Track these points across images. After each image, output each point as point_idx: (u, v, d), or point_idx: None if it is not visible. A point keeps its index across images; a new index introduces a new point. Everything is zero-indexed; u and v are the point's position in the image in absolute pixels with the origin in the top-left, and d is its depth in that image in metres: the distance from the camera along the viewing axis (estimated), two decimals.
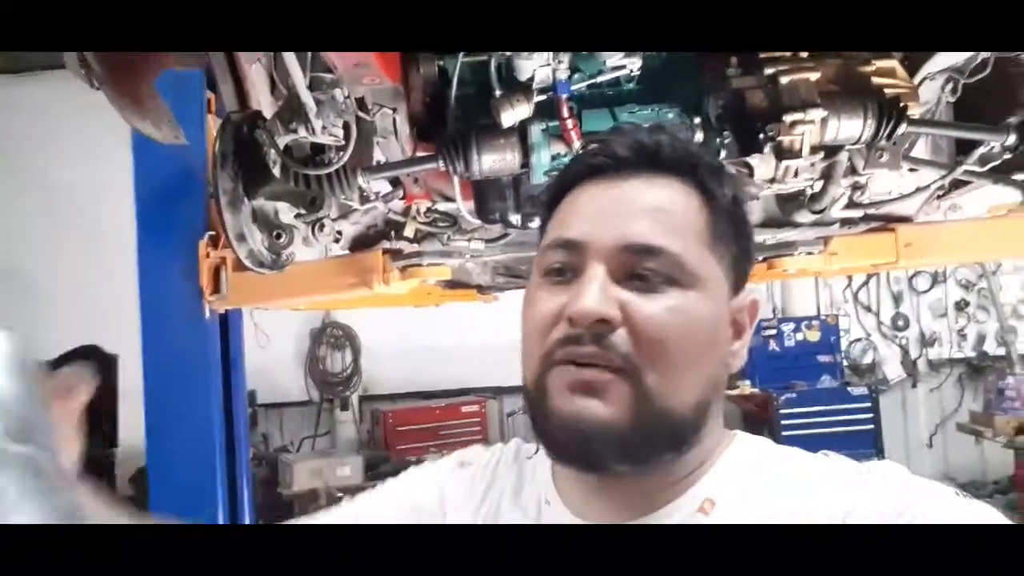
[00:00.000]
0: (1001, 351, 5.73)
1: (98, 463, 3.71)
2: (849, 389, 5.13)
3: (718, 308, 0.63)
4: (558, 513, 0.68)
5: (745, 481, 0.63)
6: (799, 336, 5.41)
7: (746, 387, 5.03)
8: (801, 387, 5.06)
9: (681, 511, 0.63)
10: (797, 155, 1.34)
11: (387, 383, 5.57)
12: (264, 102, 1.51)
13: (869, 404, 4.97)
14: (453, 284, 2.91)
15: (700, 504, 0.63)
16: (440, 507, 0.75)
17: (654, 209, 0.62)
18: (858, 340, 5.98)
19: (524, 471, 0.75)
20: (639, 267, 0.60)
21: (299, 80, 1.21)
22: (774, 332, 5.37)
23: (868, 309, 6.04)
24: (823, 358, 5.37)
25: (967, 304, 5.94)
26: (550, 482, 0.70)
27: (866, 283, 6.02)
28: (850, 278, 5.99)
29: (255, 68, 1.49)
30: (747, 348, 0.69)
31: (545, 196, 0.72)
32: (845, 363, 5.65)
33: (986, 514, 0.55)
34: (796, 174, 1.45)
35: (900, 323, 5.99)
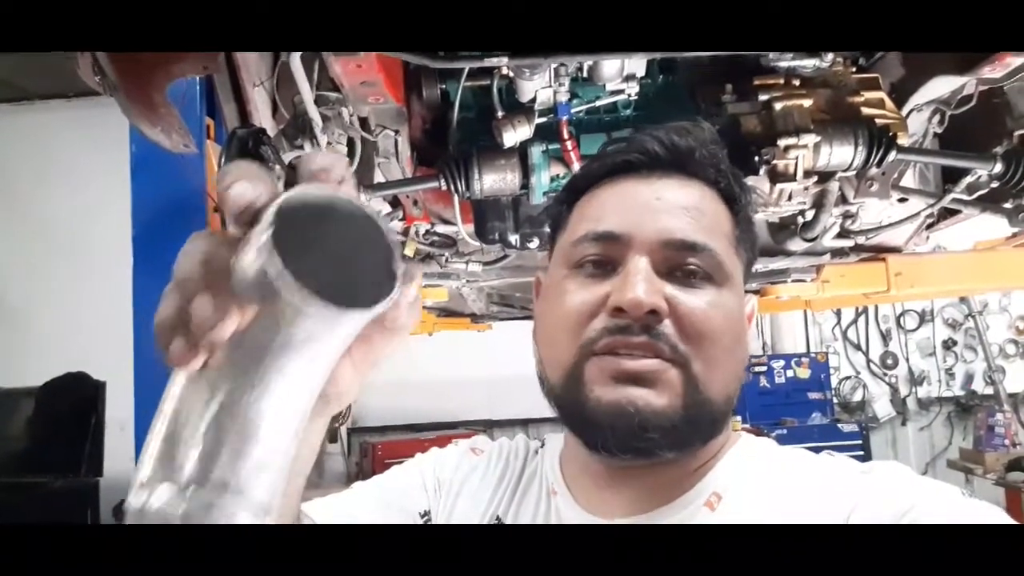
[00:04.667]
0: (989, 390, 5.75)
1: (82, 492, 3.64)
2: (839, 426, 5.12)
3: (742, 306, 0.65)
4: (564, 504, 0.68)
5: (751, 477, 0.64)
6: (789, 373, 5.41)
7: (737, 423, 5.00)
8: (792, 424, 5.05)
9: (688, 505, 0.63)
10: (791, 178, 1.38)
11: (376, 415, 5.52)
12: (266, 124, 1.53)
13: (859, 441, 4.96)
14: (447, 312, 2.93)
15: (707, 498, 0.63)
16: (451, 482, 0.75)
17: (692, 208, 0.63)
18: (848, 378, 5.99)
19: (531, 462, 0.75)
20: (682, 262, 0.61)
21: (306, 93, 1.24)
22: (764, 369, 5.37)
23: (857, 347, 6.06)
24: (813, 395, 5.36)
25: (954, 343, 5.97)
26: (557, 473, 0.71)
27: (855, 321, 6.06)
28: (839, 316, 6.03)
29: (257, 91, 1.52)
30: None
31: (564, 192, 0.71)
32: (835, 400, 5.65)
33: (992, 514, 0.54)
34: (790, 197, 1.48)
35: (889, 361, 6.01)
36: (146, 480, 0.36)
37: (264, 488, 0.38)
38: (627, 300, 0.58)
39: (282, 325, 0.36)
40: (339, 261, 0.38)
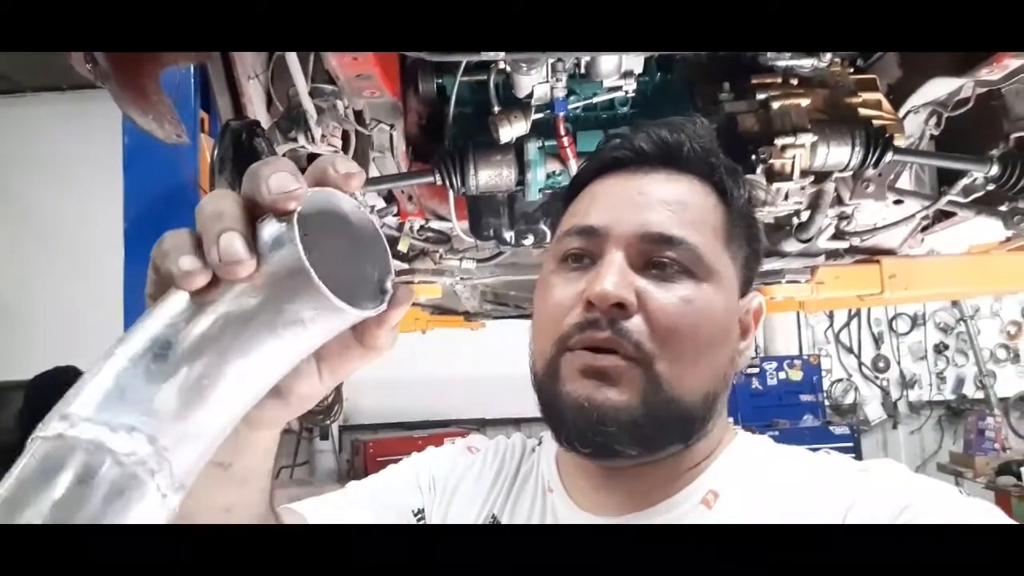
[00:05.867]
0: (980, 395, 5.78)
1: None
2: (831, 428, 5.13)
3: (729, 304, 0.64)
4: (560, 501, 0.68)
5: (748, 475, 0.64)
6: (781, 375, 5.42)
7: (729, 424, 5.02)
8: (783, 425, 5.06)
9: (684, 503, 0.63)
10: (788, 178, 1.37)
11: (368, 413, 5.51)
12: (260, 117, 1.52)
13: (851, 444, 4.97)
14: (441, 310, 2.91)
15: (703, 496, 0.63)
16: (446, 480, 0.75)
17: (674, 202, 0.63)
18: (840, 380, 6.01)
19: (528, 460, 0.75)
20: (657, 256, 0.61)
21: (301, 85, 1.23)
22: (757, 371, 5.38)
23: (849, 350, 6.08)
24: (805, 397, 5.38)
25: (946, 347, 6.00)
26: (554, 471, 0.70)
27: (847, 324, 6.08)
28: (831, 319, 6.05)
29: (252, 84, 1.51)
30: (751, 350, 0.70)
31: (564, 190, 0.72)
32: (827, 403, 5.67)
33: (990, 513, 0.54)
34: (786, 197, 1.48)
35: (881, 365, 6.04)
36: (84, 413, 0.34)
37: (186, 461, 0.36)
38: (595, 293, 0.58)
39: (281, 299, 0.37)
40: (341, 264, 0.41)
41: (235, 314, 0.37)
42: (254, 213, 0.38)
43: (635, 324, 0.59)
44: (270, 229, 0.37)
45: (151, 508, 0.34)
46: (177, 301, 0.37)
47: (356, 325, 0.42)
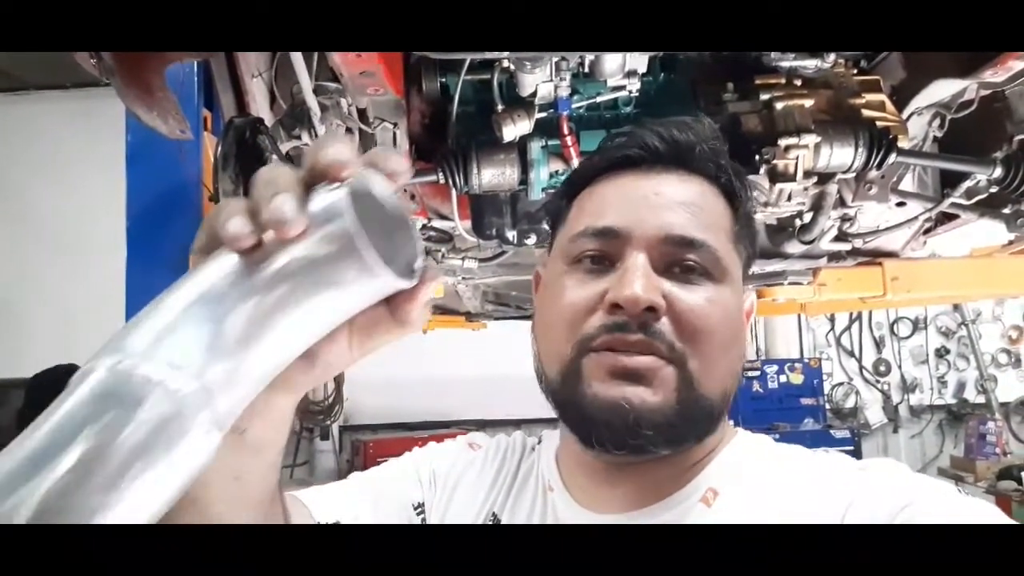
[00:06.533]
0: (981, 399, 5.77)
1: None
2: (831, 432, 5.13)
3: (740, 303, 0.65)
4: (560, 500, 0.68)
5: (748, 472, 0.64)
6: (782, 378, 5.42)
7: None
8: (784, 429, 5.06)
9: (684, 501, 0.63)
10: (791, 178, 1.37)
11: (369, 413, 5.51)
12: (264, 115, 1.52)
13: (852, 448, 4.97)
14: (443, 310, 2.91)
15: (703, 494, 0.63)
16: (447, 476, 0.75)
17: (691, 204, 0.63)
18: (840, 384, 6.01)
19: (528, 459, 0.75)
20: (680, 258, 0.61)
21: (305, 82, 1.23)
22: (757, 373, 5.38)
23: (850, 354, 6.08)
24: (806, 400, 5.37)
25: (947, 351, 6.00)
26: (553, 469, 0.70)
27: (848, 328, 6.07)
28: (833, 322, 6.04)
29: (255, 81, 1.51)
30: (747, 349, 0.71)
31: (564, 187, 0.71)
32: (827, 406, 5.66)
33: (989, 513, 0.54)
34: (789, 198, 1.48)
35: (882, 368, 6.03)
36: (135, 349, 0.36)
37: (228, 402, 0.38)
38: (624, 297, 0.58)
39: (328, 259, 0.38)
40: (379, 239, 0.43)
41: (284, 270, 0.38)
42: (308, 183, 0.40)
43: (665, 326, 0.59)
44: (322, 194, 0.39)
45: (196, 442, 0.35)
46: (228, 258, 0.39)
47: (390, 300, 0.43)
